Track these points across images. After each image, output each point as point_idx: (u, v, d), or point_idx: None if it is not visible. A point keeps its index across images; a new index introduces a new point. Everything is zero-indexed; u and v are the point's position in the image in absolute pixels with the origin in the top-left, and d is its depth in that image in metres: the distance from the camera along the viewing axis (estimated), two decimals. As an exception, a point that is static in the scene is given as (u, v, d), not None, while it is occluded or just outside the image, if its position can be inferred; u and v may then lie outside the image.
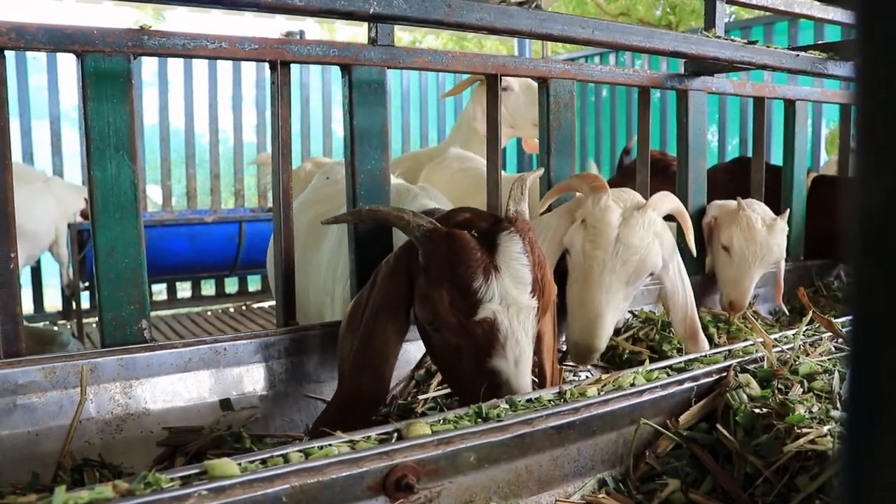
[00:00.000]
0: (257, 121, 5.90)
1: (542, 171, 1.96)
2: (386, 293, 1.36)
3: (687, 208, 2.48)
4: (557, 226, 1.96)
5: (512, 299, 1.23)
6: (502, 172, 2.14)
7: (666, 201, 1.88)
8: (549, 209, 2.05)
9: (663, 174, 3.33)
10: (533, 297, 1.25)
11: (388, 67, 1.80)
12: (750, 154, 4.18)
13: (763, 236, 2.33)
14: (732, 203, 2.43)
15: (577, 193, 1.96)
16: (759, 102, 2.79)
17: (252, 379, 1.59)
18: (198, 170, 5.62)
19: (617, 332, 2.10)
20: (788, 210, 2.75)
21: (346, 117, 1.78)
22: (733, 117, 5.19)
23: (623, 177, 3.49)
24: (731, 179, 3.22)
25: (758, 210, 2.40)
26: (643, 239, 1.80)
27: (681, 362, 1.42)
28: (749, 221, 2.34)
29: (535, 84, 3.30)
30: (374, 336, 1.35)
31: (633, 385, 1.26)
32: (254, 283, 5.84)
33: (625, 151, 4.14)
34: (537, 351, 1.40)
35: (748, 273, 2.33)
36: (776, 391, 1.29)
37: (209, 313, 5.39)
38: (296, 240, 1.86)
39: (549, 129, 2.16)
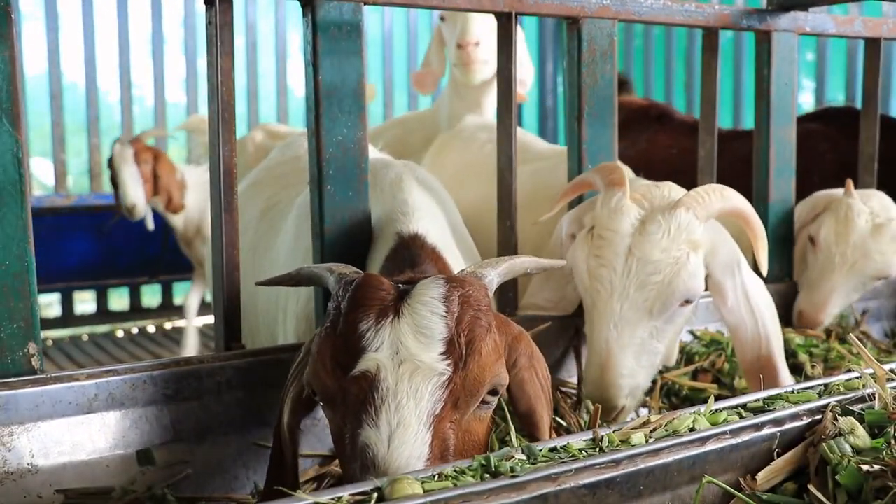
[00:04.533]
0: (186, 73, 5.91)
1: (558, 263, 1.76)
2: (300, 364, 1.43)
3: (766, 199, 2.51)
4: (559, 238, 1.98)
5: (406, 354, 1.23)
6: (541, 142, 2.14)
7: (712, 198, 1.84)
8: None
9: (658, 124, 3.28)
10: (444, 359, 1.24)
11: (366, 3, 1.81)
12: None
13: (862, 236, 2.32)
14: (840, 192, 2.40)
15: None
16: (874, 46, 2.79)
17: (181, 422, 1.60)
18: (103, 139, 5.64)
19: (668, 367, 2.11)
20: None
21: (309, 70, 1.80)
22: (837, 67, 5.21)
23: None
24: (831, 149, 3.19)
25: (874, 202, 2.37)
26: (667, 251, 1.77)
27: (758, 400, 1.44)
28: (849, 212, 2.33)
29: None
30: (284, 411, 1.43)
31: (692, 430, 1.27)
32: (183, 293, 5.85)
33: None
34: (534, 435, 1.42)
35: (830, 278, 2.34)
36: (892, 441, 1.30)
37: (121, 334, 5.40)
38: (242, 235, 1.88)
39: (580, 87, 2.18)
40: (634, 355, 1.81)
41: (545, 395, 1.45)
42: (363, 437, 1.20)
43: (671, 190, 1.90)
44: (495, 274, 1.43)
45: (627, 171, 2.56)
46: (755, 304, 1.90)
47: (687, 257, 1.79)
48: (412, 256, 1.66)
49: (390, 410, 1.20)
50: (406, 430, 1.20)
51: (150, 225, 4.75)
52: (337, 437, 1.31)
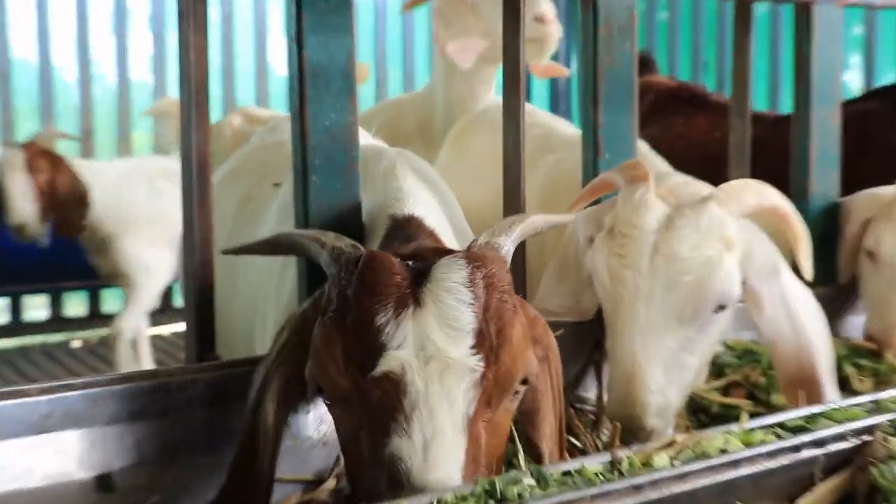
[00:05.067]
0: (154, 49, 5.91)
1: (567, 218, 1.91)
2: (284, 350, 1.44)
3: (806, 192, 2.50)
4: (574, 240, 1.96)
5: (434, 350, 1.23)
6: (568, 127, 2.12)
7: (746, 193, 1.85)
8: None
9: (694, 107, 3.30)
10: (474, 353, 1.24)
11: (356, -30, 1.83)
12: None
13: None
14: (892, 189, 2.37)
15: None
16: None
17: (146, 443, 1.60)
18: (59, 123, 5.64)
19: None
20: None
21: (293, 48, 1.80)
22: (888, 41, 5.20)
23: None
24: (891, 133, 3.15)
25: None
26: (697, 248, 1.77)
27: (798, 418, 1.44)
28: None
29: None
30: (259, 411, 1.43)
31: (723, 452, 1.28)
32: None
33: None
34: (532, 437, 1.43)
35: None
36: (951, 466, 1.31)
37: (77, 344, 5.40)
38: (218, 232, 1.88)
39: (595, 67, 2.18)
40: (664, 369, 1.80)
41: (554, 394, 1.46)
42: (393, 447, 1.20)
43: (701, 187, 1.91)
44: (510, 242, 1.42)
45: (661, 163, 2.56)
46: (796, 313, 1.90)
47: (720, 256, 1.79)
48: (408, 237, 1.65)
49: (423, 418, 1.20)
50: (443, 440, 1.20)
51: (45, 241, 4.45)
52: (349, 439, 1.31)
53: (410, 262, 1.34)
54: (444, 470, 1.18)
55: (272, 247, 1.53)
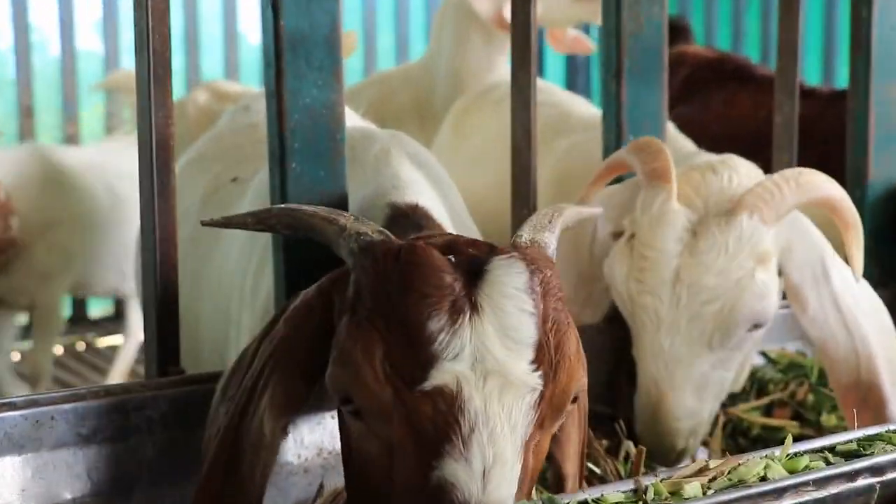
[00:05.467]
0: (103, 13, 5.90)
1: (598, 211, 1.92)
2: (284, 345, 1.42)
3: (864, 178, 2.51)
4: (590, 230, 1.99)
5: (493, 364, 1.23)
6: (587, 107, 2.08)
7: (784, 192, 1.84)
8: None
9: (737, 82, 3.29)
10: (535, 370, 1.25)
11: (341, -77, 1.83)
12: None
13: None
14: None
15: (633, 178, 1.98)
16: None
17: (100, 470, 1.60)
18: (-6, 99, 5.66)
19: (733, 396, 2.13)
20: None
21: (268, 13, 1.81)
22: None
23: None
24: None
25: None
26: (724, 274, 1.81)
27: (851, 441, 1.45)
28: None
29: None
30: (249, 417, 1.41)
31: (764, 479, 1.28)
32: (101, 304, 5.86)
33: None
34: (557, 457, 1.45)
35: None
36: None
37: (17, 357, 5.39)
38: (181, 228, 1.88)
39: (619, 35, 2.19)
40: (695, 393, 1.86)
41: (580, 410, 1.49)
42: (446, 473, 1.20)
43: (732, 175, 1.92)
44: (555, 240, 1.43)
45: (685, 143, 2.56)
46: (850, 310, 1.92)
47: (752, 276, 1.83)
48: (415, 227, 1.65)
49: (482, 441, 1.21)
50: (503, 467, 1.21)
51: None
52: (374, 457, 1.31)
53: (452, 258, 1.34)
54: (501, 500, 1.20)
55: (262, 221, 1.51)
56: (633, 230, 1.91)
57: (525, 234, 1.42)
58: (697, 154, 2.34)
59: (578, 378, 1.32)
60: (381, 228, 1.40)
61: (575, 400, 1.34)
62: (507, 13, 3.39)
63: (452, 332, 1.24)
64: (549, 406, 1.27)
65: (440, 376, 1.23)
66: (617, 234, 2.01)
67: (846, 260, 1.98)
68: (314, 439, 1.72)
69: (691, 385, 1.84)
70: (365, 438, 1.32)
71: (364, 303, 1.31)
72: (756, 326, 1.87)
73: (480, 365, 1.24)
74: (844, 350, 1.92)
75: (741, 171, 1.96)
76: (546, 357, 1.26)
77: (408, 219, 1.69)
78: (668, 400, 1.83)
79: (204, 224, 1.59)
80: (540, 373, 1.25)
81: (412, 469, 1.24)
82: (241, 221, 1.54)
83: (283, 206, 1.52)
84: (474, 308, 1.26)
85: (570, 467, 1.50)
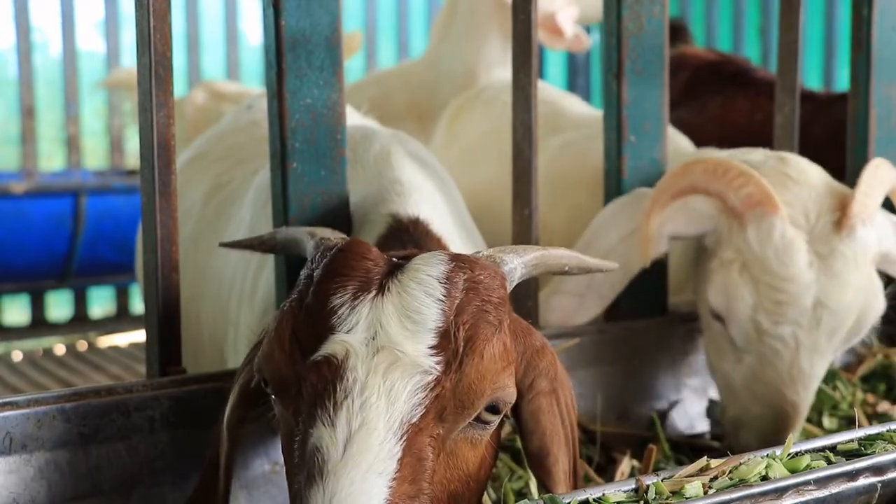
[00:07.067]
0: (105, 13, 5.90)
1: (609, 265, 1.81)
2: (258, 344, 1.46)
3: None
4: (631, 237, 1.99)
5: (386, 340, 1.24)
6: (580, 106, 2.03)
7: (875, 188, 1.89)
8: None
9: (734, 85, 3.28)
10: (433, 354, 1.25)
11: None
12: None
13: None
14: None
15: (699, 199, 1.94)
16: None
17: (101, 470, 1.60)
18: (-7, 100, 5.65)
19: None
20: None
21: (269, 13, 1.81)
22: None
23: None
24: None
25: None
26: (859, 288, 1.86)
27: (852, 440, 1.45)
28: None
29: None
30: (223, 420, 1.47)
31: (765, 478, 1.28)
32: (102, 302, 5.84)
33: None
34: (546, 484, 1.43)
35: None
36: None
37: (19, 357, 5.39)
38: (182, 227, 1.88)
39: (620, 35, 2.19)
40: (809, 402, 1.94)
41: (567, 431, 1.46)
42: (315, 437, 1.20)
43: (808, 180, 1.95)
44: (519, 263, 1.43)
45: (683, 142, 2.56)
46: None
47: (873, 281, 1.89)
48: (414, 243, 1.68)
49: (353, 407, 1.21)
50: (369, 435, 1.20)
51: None
52: (286, 443, 1.32)
53: (396, 258, 1.37)
54: (365, 472, 1.17)
55: (268, 245, 1.57)
56: (745, 261, 1.90)
57: (485, 252, 1.44)
58: (707, 153, 2.33)
59: (497, 384, 1.30)
60: (346, 237, 1.43)
61: (496, 411, 1.31)
62: (561, 18, 3.43)
63: (351, 307, 1.27)
64: (451, 397, 1.26)
65: (330, 346, 1.25)
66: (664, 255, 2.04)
67: None
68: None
69: (812, 398, 1.94)
70: (282, 421, 1.34)
71: (297, 290, 1.35)
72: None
73: (373, 340, 1.25)
74: None
75: (812, 177, 2.00)
76: (450, 346, 1.26)
77: (408, 233, 1.72)
78: (801, 417, 1.90)
79: (222, 245, 1.70)
80: (438, 359, 1.25)
81: (300, 439, 1.25)
82: (249, 244, 1.61)
83: (279, 229, 1.57)
84: (381, 289, 1.29)
85: (554, 486, 1.46)
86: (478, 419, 1.30)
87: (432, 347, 1.25)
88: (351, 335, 1.25)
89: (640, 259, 2.01)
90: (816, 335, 1.86)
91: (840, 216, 1.90)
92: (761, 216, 1.88)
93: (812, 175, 2.00)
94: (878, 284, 1.91)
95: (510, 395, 1.33)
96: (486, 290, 1.32)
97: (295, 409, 1.27)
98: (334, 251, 1.34)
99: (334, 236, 1.43)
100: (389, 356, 1.24)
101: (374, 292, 1.28)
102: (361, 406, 1.21)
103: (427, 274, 1.30)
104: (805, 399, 1.90)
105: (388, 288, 1.29)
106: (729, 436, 2.03)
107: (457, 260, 1.33)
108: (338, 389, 1.22)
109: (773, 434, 1.89)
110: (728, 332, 1.95)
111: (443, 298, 1.28)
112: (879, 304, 1.92)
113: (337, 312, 1.27)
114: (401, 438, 1.21)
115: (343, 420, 1.20)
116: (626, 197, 2.14)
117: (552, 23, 3.46)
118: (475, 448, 1.32)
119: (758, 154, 2.14)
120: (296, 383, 1.27)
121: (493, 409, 1.31)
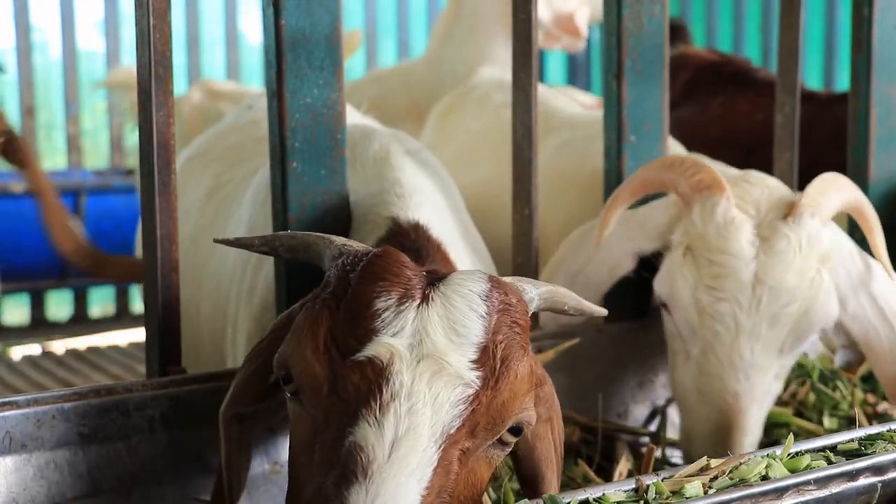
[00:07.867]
0: (105, 12, 5.90)
1: (601, 311, 1.82)
2: (258, 346, 1.48)
3: (865, 177, 2.50)
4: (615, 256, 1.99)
5: (431, 349, 1.25)
6: (571, 106, 2.04)
7: (831, 194, 1.89)
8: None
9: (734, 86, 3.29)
10: (475, 369, 1.26)
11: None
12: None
13: None
14: None
15: (669, 196, 1.98)
16: None
17: (101, 470, 1.61)
18: (-7, 100, 5.64)
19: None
20: None
21: (269, 12, 1.81)
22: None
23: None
24: None
25: None
26: (801, 274, 1.83)
27: (852, 440, 1.45)
28: None
29: None
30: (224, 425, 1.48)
31: (765, 478, 1.28)
32: (102, 302, 5.85)
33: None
34: (533, 494, 1.43)
35: None
36: None
37: (18, 356, 5.39)
38: (182, 226, 1.88)
39: (620, 34, 2.19)
40: (760, 407, 1.88)
41: (558, 458, 1.48)
42: (358, 436, 1.20)
43: (769, 185, 1.95)
44: (536, 294, 1.44)
45: (675, 146, 2.57)
46: (888, 307, 1.97)
47: (821, 276, 1.86)
48: (416, 250, 1.67)
49: (399, 411, 1.21)
50: (416, 440, 1.20)
51: None
52: (304, 438, 1.31)
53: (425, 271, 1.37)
54: (408, 476, 1.18)
55: (271, 246, 1.55)
56: (690, 242, 1.91)
57: (509, 278, 1.45)
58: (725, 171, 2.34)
59: (523, 405, 1.31)
60: (367, 247, 1.43)
61: (518, 432, 1.33)
62: (579, 18, 3.43)
63: (397, 311, 1.27)
64: (484, 414, 1.27)
65: (375, 348, 1.25)
66: (637, 255, 2.04)
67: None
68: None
69: (759, 400, 1.87)
70: (299, 420, 1.34)
71: (326, 289, 1.34)
72: (822, 331, 1.92)
73: (418, 347, 1.25)
74: (888, 342, 1.97)
75: (771, 183, 1.99)
76: (489, 362, 1.27)
77: (408, 238, 1.72)
78: (744, 414, 1.84)
79: (216, 241, 1.63)
80: (479, 374, 1.26)
81: (331, 438, 1.24)
82: (248, 243, 1.58)
83: (286, 232, 1.57)
84: (426, 298, 1.30)
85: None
86: (500, 440, 1.31)
87: (474, 362, 1.26)
88: (396, 339, 1.25)
89: (606, 278, 2.06)
90: (757, 318, 1.83)
91: (789, 210, 1.90)
92: (708, 197, 1.89)
93: (770, 182, 2.01)
94: (829, 285, 1.87)
95: (532, 417, 1.35)
96: (516, 313, 1.34)
97: (325, 407, 1.27)
98: (372, 256, 1.34)
99: (355, 245, 1.42)
100: (434, 365, 1.24)
101: (418, 300, 1.29)
102: (408, 411, 1.21)
103: (470, 289, 1.31)
104: (747, 392, 1.85)
105: (432, 298, 1.29)
106: (683, 452, 2.01)
107: (494, 282, 1.34)
108: (384, 391, 1.22)
109: (718, 438, 1.86)
110: (674, 322, 1.94)
111: (485, 315, 1.29)
112: (831, 306, 1.88)
113: (381, 316, 1.27)
114: (439, 448, 1.22)
115: (391, 422, 1.20)
116: (595, 220, 2.14)
117: (570, 23, 3.48)
118: (489, 468, 1.34)
119: (730, 170, 2.18)
120: (329, 381, 1.26)
121: (515, 430, 1.32)
